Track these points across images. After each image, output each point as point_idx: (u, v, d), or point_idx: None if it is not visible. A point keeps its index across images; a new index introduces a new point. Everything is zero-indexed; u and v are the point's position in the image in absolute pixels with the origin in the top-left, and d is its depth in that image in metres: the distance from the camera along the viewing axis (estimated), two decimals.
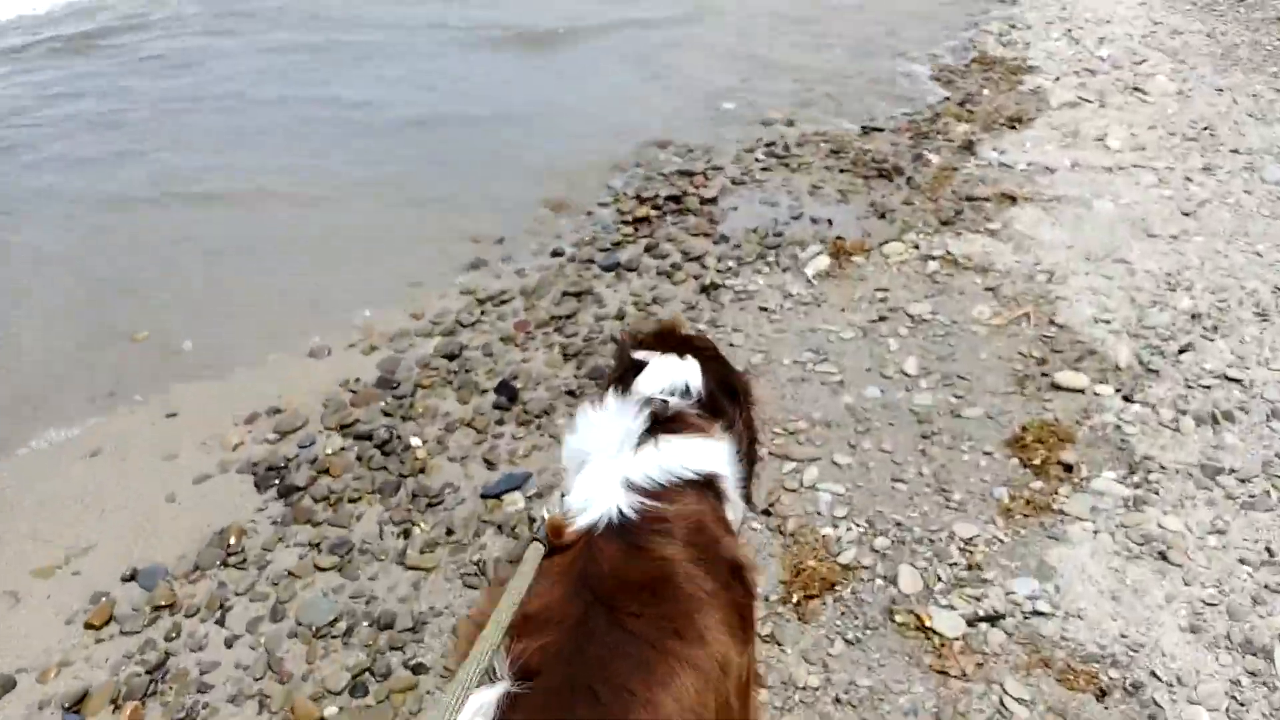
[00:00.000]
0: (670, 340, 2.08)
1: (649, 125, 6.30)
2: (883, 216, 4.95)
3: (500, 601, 1.42)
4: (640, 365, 1.98)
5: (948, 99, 6.50)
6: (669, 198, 5.32)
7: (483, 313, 4.40)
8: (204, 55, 8.22)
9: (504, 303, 4.47)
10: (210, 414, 3.83)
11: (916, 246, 4.59)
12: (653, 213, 5.18)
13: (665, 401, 1.84)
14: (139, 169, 6.04)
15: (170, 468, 3.56)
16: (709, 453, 1.80)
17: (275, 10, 9.41)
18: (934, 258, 4.48)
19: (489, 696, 1.28)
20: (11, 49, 8.53)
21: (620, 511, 1.60)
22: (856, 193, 5.22)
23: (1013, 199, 5.01)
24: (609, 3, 9.18)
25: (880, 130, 6.06)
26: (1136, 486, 3.07)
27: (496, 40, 8.31)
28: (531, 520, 3.14)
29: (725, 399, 2.00)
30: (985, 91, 6.59)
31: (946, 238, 4.65)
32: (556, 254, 4.87)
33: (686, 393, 1.91)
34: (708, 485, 1.76)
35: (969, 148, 5.68)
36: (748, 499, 1.99)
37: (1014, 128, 5.94)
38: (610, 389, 1.93)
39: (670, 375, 1.94)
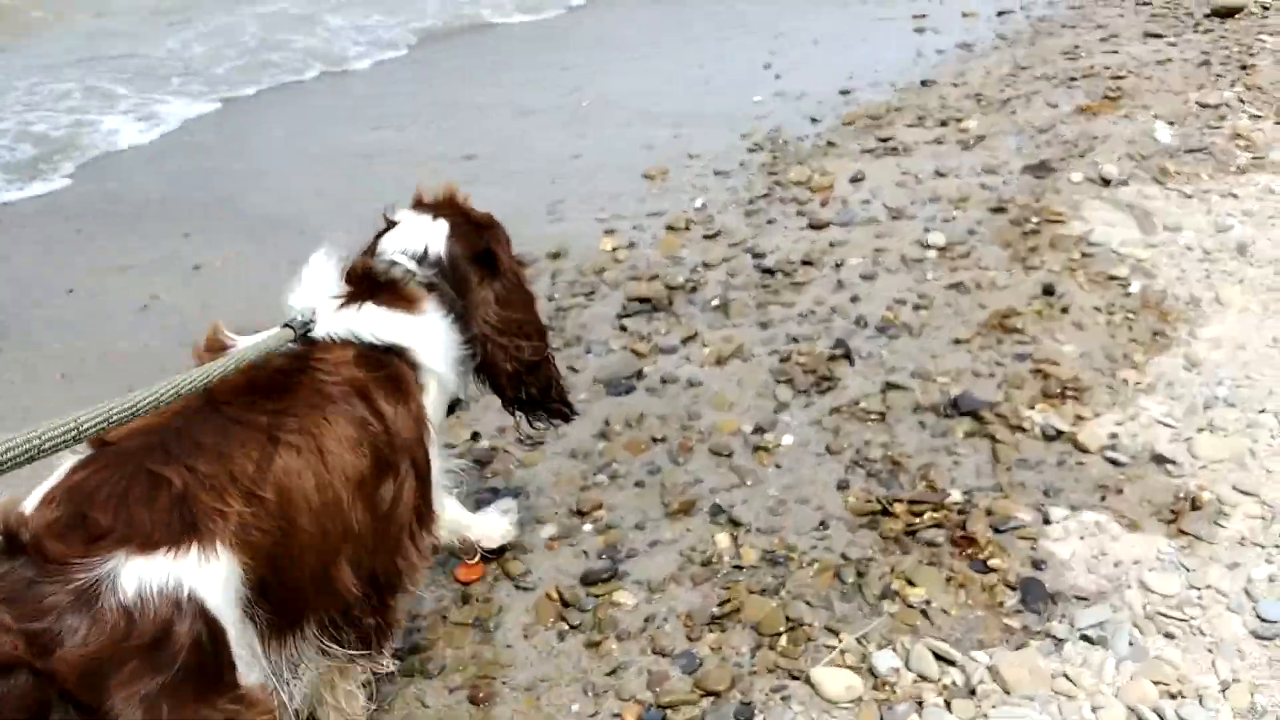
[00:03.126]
0: (441, 205, 2.13)
1: None
2: None
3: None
4: (392, 225, 2.08)
5: None
6: None
7: None
8: None
9: None
10: None
11: None
12: None
13: (388, 265, 1.95)
14: None
15: None
16: (405, 327, 1.87)
17: None
18: None
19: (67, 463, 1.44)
20: None
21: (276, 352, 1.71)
22: None
23: None
24: None
25: None
26: None
27: None
28: None
29: (473, 268, 2.06)
30: None
31: None
32: None
33: (424, 257, 1.99)
34: (394, 353, 1.84)
35: None
36: (491, 375, 2.11)
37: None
38: (367, 246, 2.06)
39: (412, 237, 2.02)
